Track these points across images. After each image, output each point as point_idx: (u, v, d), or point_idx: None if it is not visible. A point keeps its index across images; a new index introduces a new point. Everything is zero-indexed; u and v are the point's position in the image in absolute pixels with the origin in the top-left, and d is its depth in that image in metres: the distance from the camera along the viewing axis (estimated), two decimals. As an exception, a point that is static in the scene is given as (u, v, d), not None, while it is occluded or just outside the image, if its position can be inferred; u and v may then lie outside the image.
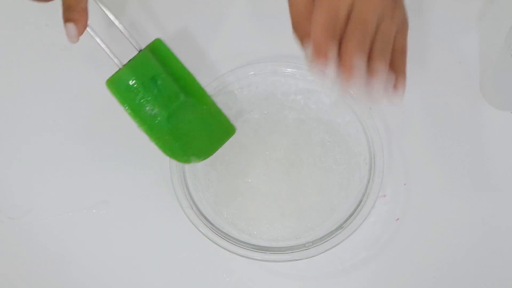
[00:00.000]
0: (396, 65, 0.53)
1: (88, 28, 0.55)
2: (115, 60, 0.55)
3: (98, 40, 0.55)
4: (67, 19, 0.54)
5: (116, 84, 0.55)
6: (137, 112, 0.55)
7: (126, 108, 0.55)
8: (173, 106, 0.56)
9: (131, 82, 0.55)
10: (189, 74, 0.58)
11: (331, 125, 0.66)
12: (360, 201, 0.60)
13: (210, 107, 0.59)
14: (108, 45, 0.56)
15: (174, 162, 0.61)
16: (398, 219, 0.65)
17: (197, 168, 0.64)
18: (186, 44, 0.72)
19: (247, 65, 0.65)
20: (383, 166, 0.61)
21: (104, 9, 0.56)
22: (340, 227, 0.59)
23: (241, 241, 0.59)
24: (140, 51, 0.56)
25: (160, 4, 0.73)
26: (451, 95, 0.69)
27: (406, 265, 0.64)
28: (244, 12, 0.73)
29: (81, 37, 0.71)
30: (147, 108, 0.56)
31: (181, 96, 0.57)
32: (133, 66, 0.55)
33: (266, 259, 0.59)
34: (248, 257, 0.59)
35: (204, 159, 0.59)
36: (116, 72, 0.55)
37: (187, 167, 0.62)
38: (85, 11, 0.54)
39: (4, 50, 0.71)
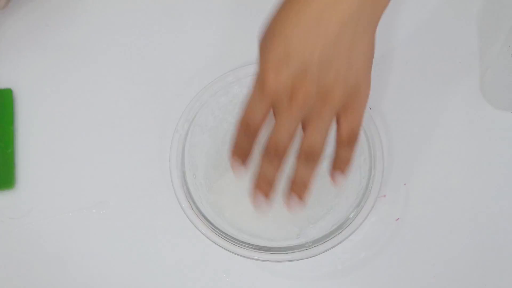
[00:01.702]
0: (338, 159, 0.52)
1: None
2: None
3: None
4: None
5: None
6: None
7: None
8: None
9: None
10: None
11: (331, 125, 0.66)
12: (360, 201, 0.60)
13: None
14: None
15: (174, 162, 0.61)
16: (398, 219, 0.65)
17: (197, 168, 0.64)
18: (186, 44, 0.72)
19: (247, 65, 0.65)
20: (383, 166, 0.61)
21: None
22: (340, 227, 0.59)
23: (241, 241, 0.59)
24: None
25: (159, 3, 0.73)
26: (451, 95, 0.69)
27: (406, 265, 0.64)
28: (244, 12, 0.73)
29: (86, 38, 0.72)
30: None
31: None
32: None
33: (266, 259, 0.59)
34: (248, 257, 0.59)
35: None
36: None
37: (187, 167, 0.62)
38: None
39: (4, 49, 0.71)
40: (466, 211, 0.65)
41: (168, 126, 0.66)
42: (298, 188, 0.52)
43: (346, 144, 0.50)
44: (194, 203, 0.60)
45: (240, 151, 0.52)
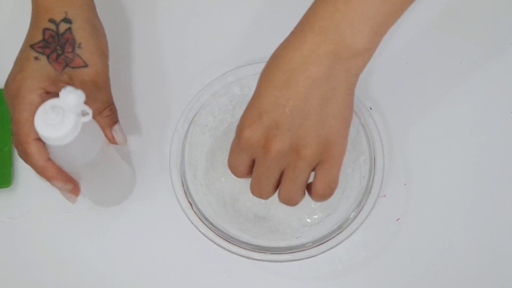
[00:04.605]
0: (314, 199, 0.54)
1: None
2: None
3: None
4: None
5: None
6: None
7: None
8: None
9: None
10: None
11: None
12: (360, 201, 0.60)
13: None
14: None
15: (173, 162, 0.61)
16: (398, 219, 0.65)
17: (197, 168, 0.64)
18: (186, 44, 0.71)
19: (247, 65, 0.65)
20: (383, 166, 0.61)
21: None
22: (340, 227, 0.59)
23: (241, 241, 0.59)
24: None
25: (159, 3, 0.73)
26: (451, 95, 0.69)
27: (406, 265, 0.64)
28: (244, 12, 0.73)
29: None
30: None
31: None
32: None
33: (266, 259, 0.59)
34: (248, 257, 0.59)
35: None
36: None
37: (187, 167, 0.62)
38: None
39: (3, 49, 0.71)
40: (466, 211, 0.65)
41: (168, 126, 0.66)
42: (288, 203, 0.55)
43: (320, 198, 0.53)
44: (194, 203, 0.60)
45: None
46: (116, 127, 0.60)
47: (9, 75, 0.58)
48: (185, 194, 0.61)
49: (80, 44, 0.57)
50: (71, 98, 0.51)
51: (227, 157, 0.65)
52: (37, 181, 0.66)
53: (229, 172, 0.64)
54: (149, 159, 0.67)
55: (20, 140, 0.54)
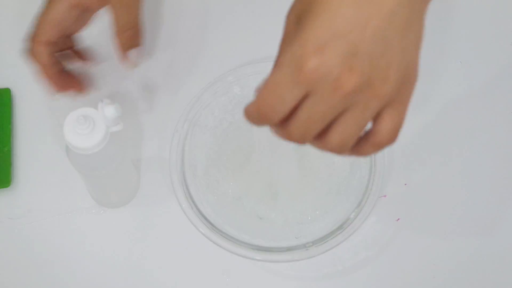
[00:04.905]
0: (360, 153, 0.44)
1: None
2: None
3: None
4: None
5: None
6: None
7: None
8: None
9: None
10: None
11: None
12: (360, 201, 0.60)
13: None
14: None
15: (174, 162, 0.61)
16: (398, 219, 0.65)
17: (197, 168, 0.64)
18: (186, 43, 0.71)
19: (247, 65, 0.65)
20: (383, 166, 0.61)
21: None
22: (340, 227, 0.59)
23: (241, 241, 0.59)
24: None
25: (159, 4, 0.73)
26: (451, 95, 0.69)
27: (406, 265, 0.64)
28: (244, 12, 0.73)
29: (86, 38, 0.71)
30: None
31: None
32: None
33: (266, 259, 0.59)
34: (248, 257, 0.59)
35: None
36: None
37: (187, 167, 0.62)
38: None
39: (3, 49, 0.71)
40: (466, 211, 0.65)
41: (168, 126, 0.66)
42: (338, 151, 0.44)
43: (385, 145, 0.43)
44: (194, 203, 0.60)
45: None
46: (132, 51, 0.60)
47: None
48: (185, 194, 0.61)
49: None
50: (109, 111, 0.51)
51: (227, 157, 0.65)
52: (37, 181, 0.66)
53: (229, 172, 0.64)
54: (149, 159, 0.67)
55: (34, 36, 0.58)
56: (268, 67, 0.64)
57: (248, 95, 0.66)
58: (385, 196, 0.65)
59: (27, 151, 0.67)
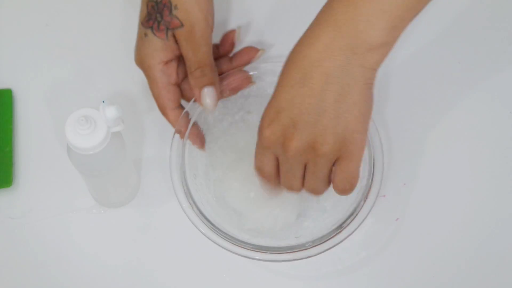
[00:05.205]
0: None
1: None
2: None
3: None
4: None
5: None
6: None
7: None
8: None
9: None
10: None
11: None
12: (360, 201, 0.60)
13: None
14: None
15: (174, 162, 0.61)
16: (398, 219, 0.65)
17: (197, 168, 0.64)
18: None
19: (246, 66, 0.65)
20: (383, 166, 0.61)
21: None
22: (340, 227, 0.59)
23: (241, 241, 0.59)
24: None
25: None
26: (450, 96, 0.69)
27: (406, 265, 0.64)
28: (244, 12, 0.73)
29: (86, 38, 0.72)
30: None
31: None
32: None
33: (266, 259, 0.59)
34: (248, 257, 0.59)
35: None
36: None
37: (188, 167, 0.62)
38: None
39: (4, 49, 0.71)
40: (466, 211, 0.65)
41: (168, 126, 0.66)
42: (313, 194, 0.56)
43: (341, 193, 0.53)
44: (194, 203, 0.60)
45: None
46: (205, 89, 0.60)
47: (134, 52, 0.62)
48: (186, 194, 0.61)
49: (176, 5, 0.59)
50: (110, 112, 0.51)
51: (227, 157, 0.65)
52: (38, 181, 0.66)
53: (229, 172, 0.64)
54: (150, 159, 0.67)
55: (160, 109, 0.62)
56: (268, 67, 0.65)
57: (248, 96, 0.66)
58: (384, 196, 0.65)
59: (28, 151, 0.67)
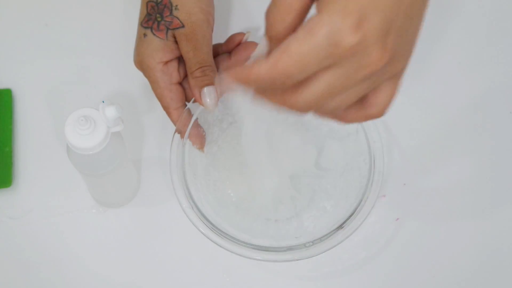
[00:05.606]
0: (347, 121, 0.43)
1: None
2: None
3: None
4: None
5: None
6: None
7: None
8: None
9: None
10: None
11: (331, 125, 0.66)
12: (360, 201, 0.60)
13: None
14: None
15: (174, 162, 0.61)
16: (398, 219, 0.65)
17: (197, 168, 0.64)
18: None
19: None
20: (383, 166, 0.61)
21: None
22: (340, 227, 0.59)
23: (241, 241, 0.59)
24: None
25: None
26: (450, 96, 0.69)
27: (406, 265, 0.64)
28: (244, 12, 0.73)
29: (86, 38, 0.72)
30: None
31: None
32: None
33: (266, 259, 0.59)
34: (248, 257, 0.59)
35: None
36: None
37: (187, 167, 0.62)
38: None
39: (4, 49, 0.72)
40: (466, 211, 0.65)
41: (168, 126, 0.66)
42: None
43: (376, 117, 0.43)
44: (194, 203, 0.60)
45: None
46: (205, 89, 0.59)
47: (133, 53, 0.62)
48: (185, 194, 0.61)
49: (176, 6, 0.59)
50: (109, 112, 0.51)
51: (227, 157, 0.65)
52: (38, 181, 0.66)
53: (229, 172, 0.64)
54: (150, 159, 0.67)
55: (163, 108, 0.61)
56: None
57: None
58: (384, 196, 0.65)
59: (28, 151, 0.67)
